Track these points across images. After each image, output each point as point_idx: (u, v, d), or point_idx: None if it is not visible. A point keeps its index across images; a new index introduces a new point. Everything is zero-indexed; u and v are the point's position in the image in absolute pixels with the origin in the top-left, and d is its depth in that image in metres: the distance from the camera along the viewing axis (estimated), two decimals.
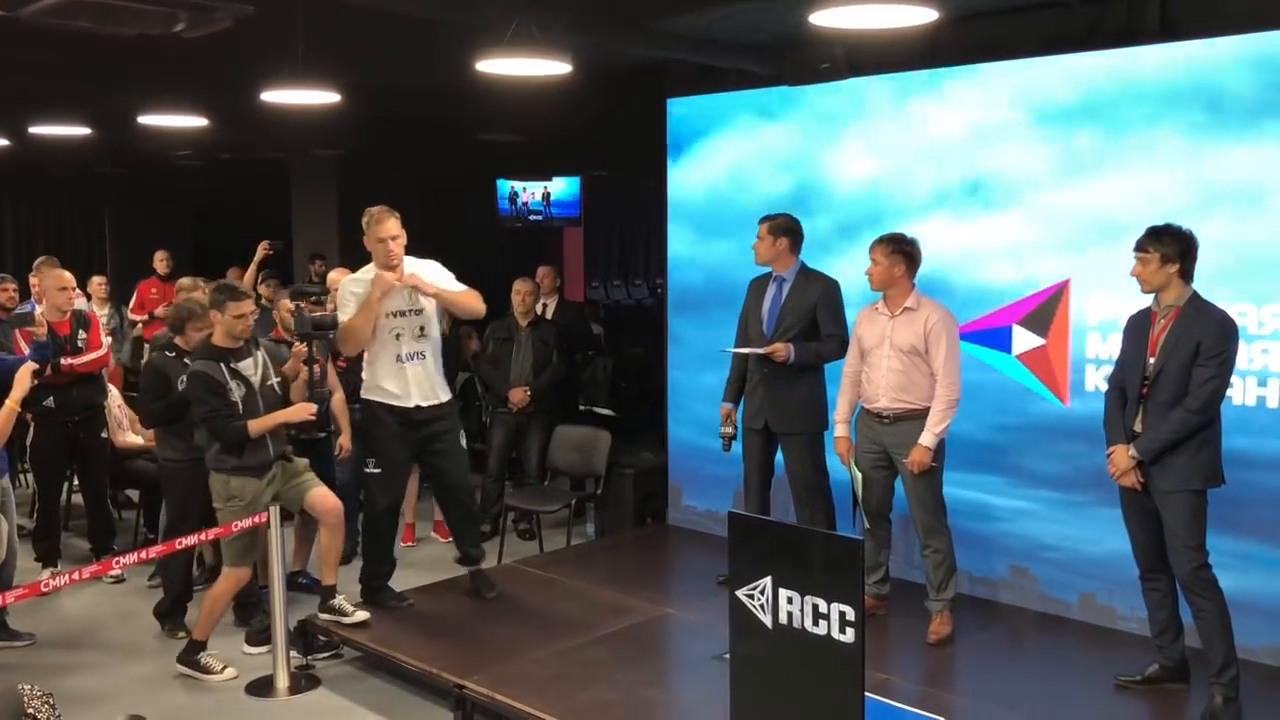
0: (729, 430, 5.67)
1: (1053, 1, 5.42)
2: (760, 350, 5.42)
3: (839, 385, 5.29)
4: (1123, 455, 4.32)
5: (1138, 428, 4.31)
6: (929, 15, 4.61)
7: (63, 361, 6.28)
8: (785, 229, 5.53)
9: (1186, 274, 4.26)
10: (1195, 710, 4.31)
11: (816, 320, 5.44)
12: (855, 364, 5.19)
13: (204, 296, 6.85)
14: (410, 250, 5.50)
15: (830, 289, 5.52)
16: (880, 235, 5.13)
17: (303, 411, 5.08)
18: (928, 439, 4.90)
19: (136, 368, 8.75)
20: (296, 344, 5.53)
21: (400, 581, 6.13)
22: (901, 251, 5.00)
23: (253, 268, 8.12)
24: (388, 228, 5.29)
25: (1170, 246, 4.22)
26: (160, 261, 10.29)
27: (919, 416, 4.94)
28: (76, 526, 7.17)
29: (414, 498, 7.25)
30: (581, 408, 8.68)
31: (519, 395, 7.05)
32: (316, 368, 5.33)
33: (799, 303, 5.48)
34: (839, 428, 5.24)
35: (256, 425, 4.95)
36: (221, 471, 5.01)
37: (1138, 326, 4.42)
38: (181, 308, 5.67)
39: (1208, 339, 4.16)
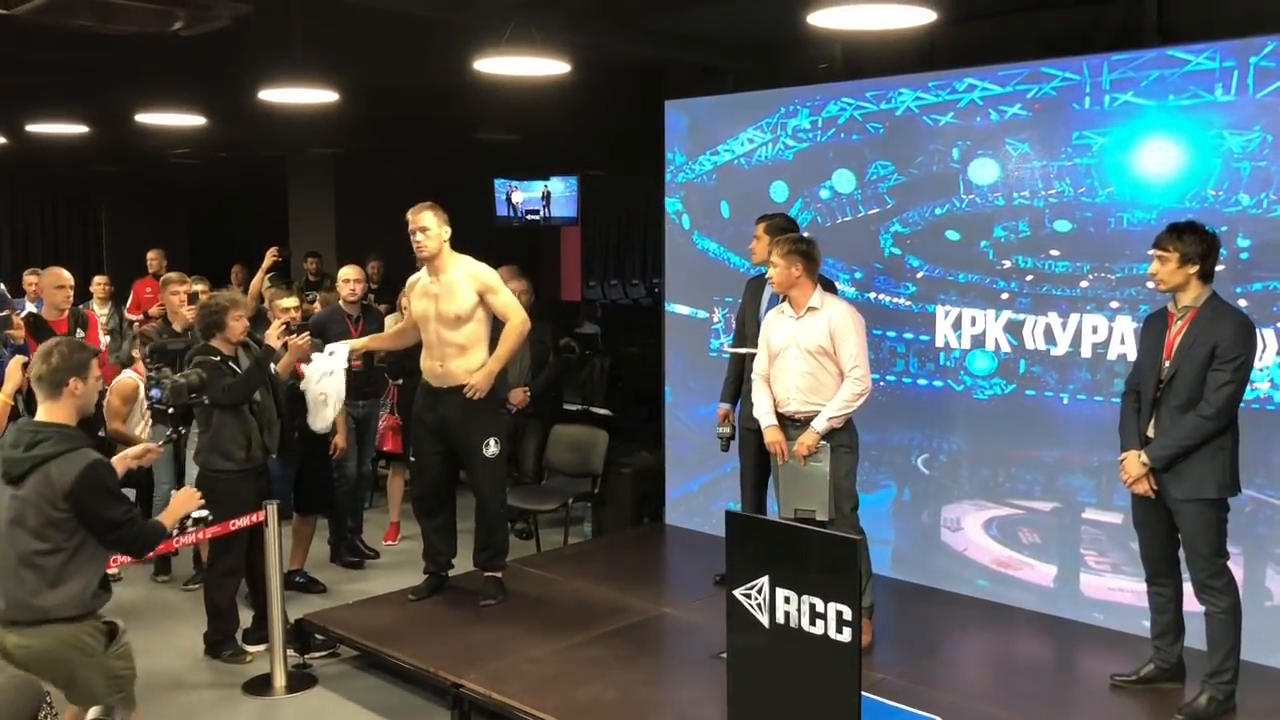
0: (726, 430, 5.67)
1: (1050, 3, 5.43)
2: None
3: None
4: (1134, 462, 4.23)
5: (1151, 433, 4.22)
6: (927, 16, 4.63)
7: None
8: (781, 229, 5.53)
9: (1206, 275, 4.11)
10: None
11: None
12: (764, 366, 5.00)
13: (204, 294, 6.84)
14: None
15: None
16: (779, 236, 5.04)
17: (190, 501, 4.15)
18: (820, 423, 4.73)
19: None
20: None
21: (394, 580, 6.15)
22: (798, 251, 4.81)
23: (260, 274, 8.15)
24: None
25: (1192, 246, 4.07)
26: (153, 260, 10.28)
27: None
28: None
29: (398, 495, 7.28)
30: (577, 407, 8.69)
31: (519, 396, 7.01)
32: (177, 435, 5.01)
33: None
34: (766, 418, 4.97)
35: (169, 518, 4.01)
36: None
37: (1155, 327, 4.30)
38: (209, 306, 5.30)
39: (1224, 342, 4.02)
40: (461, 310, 5.34)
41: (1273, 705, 4.42)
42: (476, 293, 5.35)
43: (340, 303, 6.79)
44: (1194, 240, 4.09)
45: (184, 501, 4.11)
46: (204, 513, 4.37)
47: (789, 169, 6.33)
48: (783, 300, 4.97)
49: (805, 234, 5.03)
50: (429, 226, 5.29)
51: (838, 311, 4.84)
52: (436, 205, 5.37)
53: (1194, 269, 4.10)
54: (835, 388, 4.79)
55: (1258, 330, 4.50)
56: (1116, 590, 5.21)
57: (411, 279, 5.61)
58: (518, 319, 5.44)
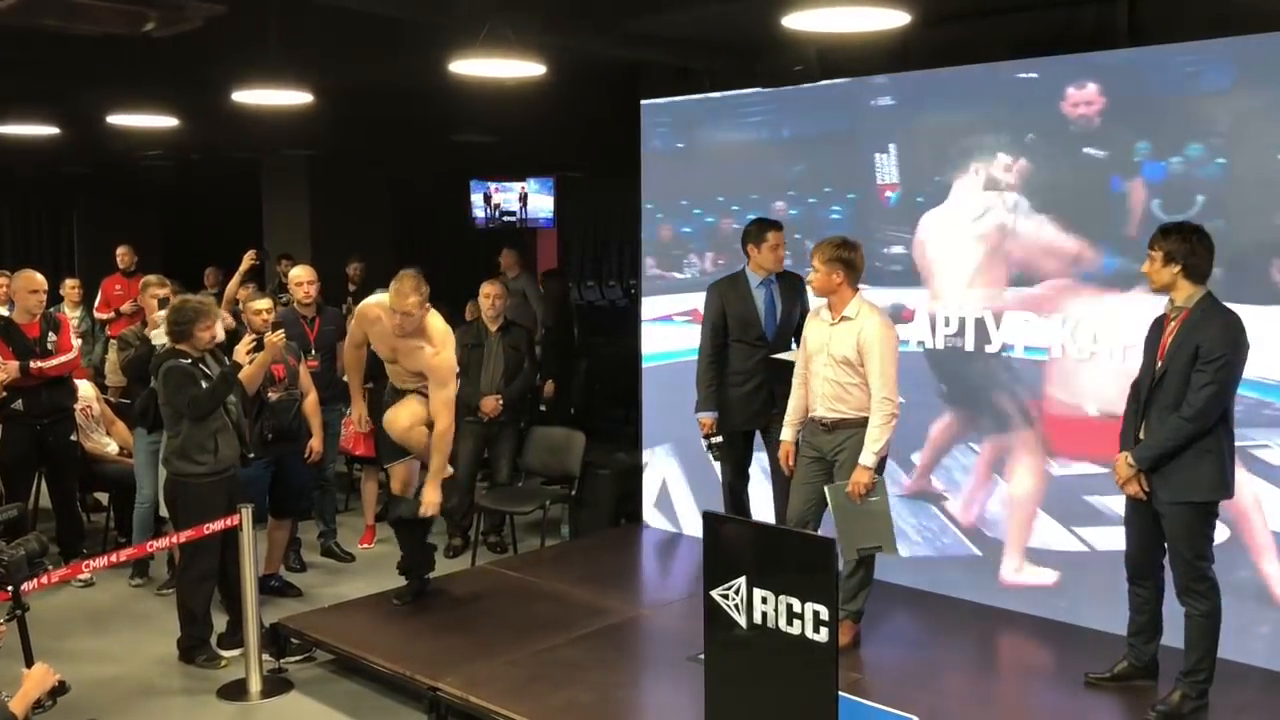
0: (719, 440, 5.58)
1: (1023, 6, 5.46)
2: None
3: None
4: (1123, 463, 4.25)
5: (1143, 434, 4.23)
6: (901, 18, 4.65)
7: (31, 364, 6.22)
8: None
9: (1195, 274, 4.09)
10: None
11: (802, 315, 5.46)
12: (803, 368, 5.01)
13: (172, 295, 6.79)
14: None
15: (801, 283, 5.56)
16: (820, 240, 4.99)
17: (44, 679, 3.78)
18: (868, 459, 4.64)
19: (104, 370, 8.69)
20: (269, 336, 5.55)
21: (369, 583, 6.12)
22: (839, 258, 4.74)
23: (236, 278, 8.11)
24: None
25: (1174, 245, 4.08)
26: (122, 255, 10.12)
27: (854, 425, 4.75)
28: (45, 530, 7.07)
29: (372, 499, 7.28)
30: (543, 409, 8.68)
31: (490, 404, 6.82)
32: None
33: (791, 299, 5.59)
34: (786, 430, 5.06)
35: (20, 703, 3.72)
36: None
37: (1155, 328, 4.30)
38: (182, 311, 5.21)
39: (1207, 343, 4.01)
40: (421, 369, 5.36)
41: (1244, 701, 4.47)
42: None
43: (295, 304, 6.78)
44: (1175, 239, 4.11)
45: (36, 682, 3.75)
46: (59, 682, 3.80)
47: (782, 167, 6.30)
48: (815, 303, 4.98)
49: (849, 238, 4.93)
50: (412, 312, 5.17)
51: (870, 325, 4.74)
52: (416, 279, 5.20)
53: (1176, 268, 4.11)
54: (860, 398, 4.74)
55: None
56: None
57: (368, 312, 5.44)
58: (442, 424, 5.33)
